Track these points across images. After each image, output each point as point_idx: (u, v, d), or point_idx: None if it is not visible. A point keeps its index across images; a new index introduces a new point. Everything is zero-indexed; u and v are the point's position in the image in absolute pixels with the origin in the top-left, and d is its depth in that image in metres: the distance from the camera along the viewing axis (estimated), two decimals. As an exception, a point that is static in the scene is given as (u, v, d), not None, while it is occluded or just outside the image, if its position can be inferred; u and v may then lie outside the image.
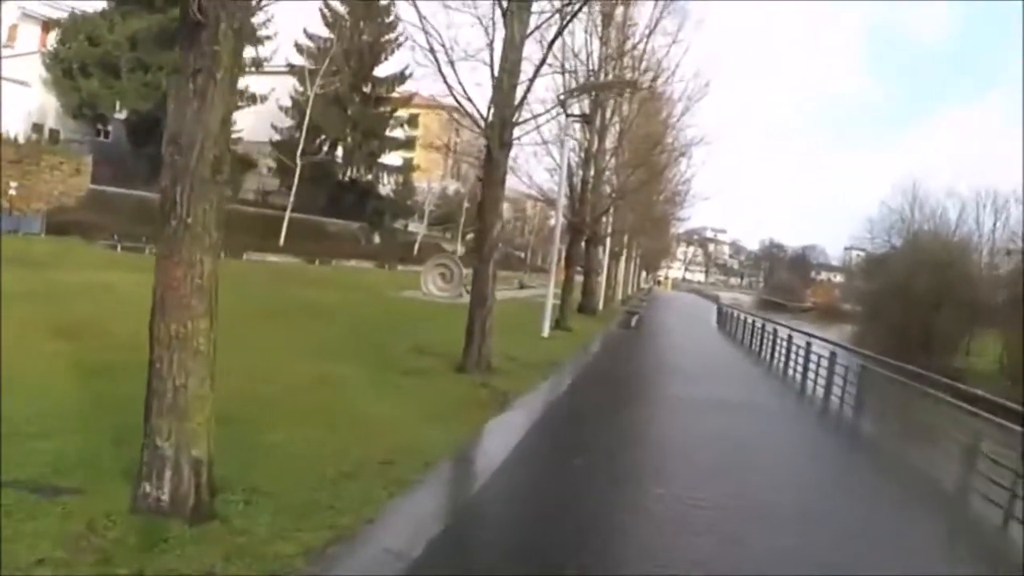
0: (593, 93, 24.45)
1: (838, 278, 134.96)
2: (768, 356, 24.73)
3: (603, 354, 21.43)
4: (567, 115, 21.64)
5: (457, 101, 13.53)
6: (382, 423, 8.80)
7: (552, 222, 30.72)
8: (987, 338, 45.13)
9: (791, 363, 20.99)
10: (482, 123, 13.48)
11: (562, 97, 20.87)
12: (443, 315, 21.30)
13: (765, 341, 26.59)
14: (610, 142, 30.25)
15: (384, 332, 17.29)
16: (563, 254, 27.91)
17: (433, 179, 67.70)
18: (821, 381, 17.29)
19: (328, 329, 16.89)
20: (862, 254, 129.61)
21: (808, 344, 20.18)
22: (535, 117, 16.25)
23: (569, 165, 25.26)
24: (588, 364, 18.56)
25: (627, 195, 30.28)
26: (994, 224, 52.71)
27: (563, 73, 22.20)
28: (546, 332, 21.36)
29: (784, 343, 22.60)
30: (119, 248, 31.46)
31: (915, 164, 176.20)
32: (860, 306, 64.22)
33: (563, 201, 24.34)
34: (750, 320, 32.97)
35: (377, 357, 13.44)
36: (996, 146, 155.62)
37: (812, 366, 18.73)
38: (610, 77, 25.62)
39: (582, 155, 26.51)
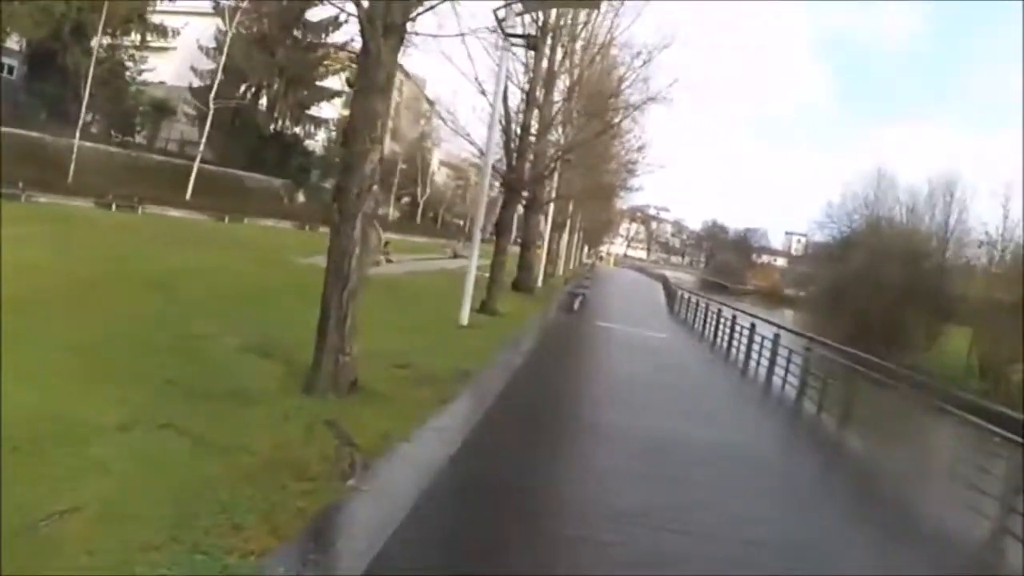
0: (540, 14, 19.18)
1: (779, 262, 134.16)
2: (739, 355, 20.41)
3: (538, 355, 15.54)
4: (505, 35, 16.40)
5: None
6: None
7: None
8: (953, 335, 41.75)
9: (772, 368, 17.35)
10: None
11: (497, 10, 15.70)
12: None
13: (724, 331, 23.56)
14: (559, 94, 25.35)
15: (233, 315, 12.06)
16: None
17: None
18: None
19: (158, 307, 11.87)
20: (803, 239, 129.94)
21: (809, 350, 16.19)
22: None
23: (506, 109, 20.09)
24: (516, 373, 12.47)
25: (576, 150, 25.13)
26: (958, 216, 49.26)
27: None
28: (465, 319, 16.19)
29: (757, 340, 19.44)
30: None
31: (858, 160, 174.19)
32: (811, 291, 61.94)
33: (495, 151, 19.10)
34: (709, 307, 28.87)
35: (183, 363, 8.59)
36: (952, 145, 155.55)
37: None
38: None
39: (524, 97, 21.19)
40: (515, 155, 19.85)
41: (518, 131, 20.04)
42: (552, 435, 9.21)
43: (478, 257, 17.61)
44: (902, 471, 10.39)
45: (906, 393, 14.02)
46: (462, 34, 14.30)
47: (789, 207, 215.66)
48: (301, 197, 53.88)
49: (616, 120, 25.95)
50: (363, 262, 8.76)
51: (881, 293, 41.96)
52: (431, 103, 26.33)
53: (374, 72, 8.55)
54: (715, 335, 24.74)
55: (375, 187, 8.74)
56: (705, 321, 27.46)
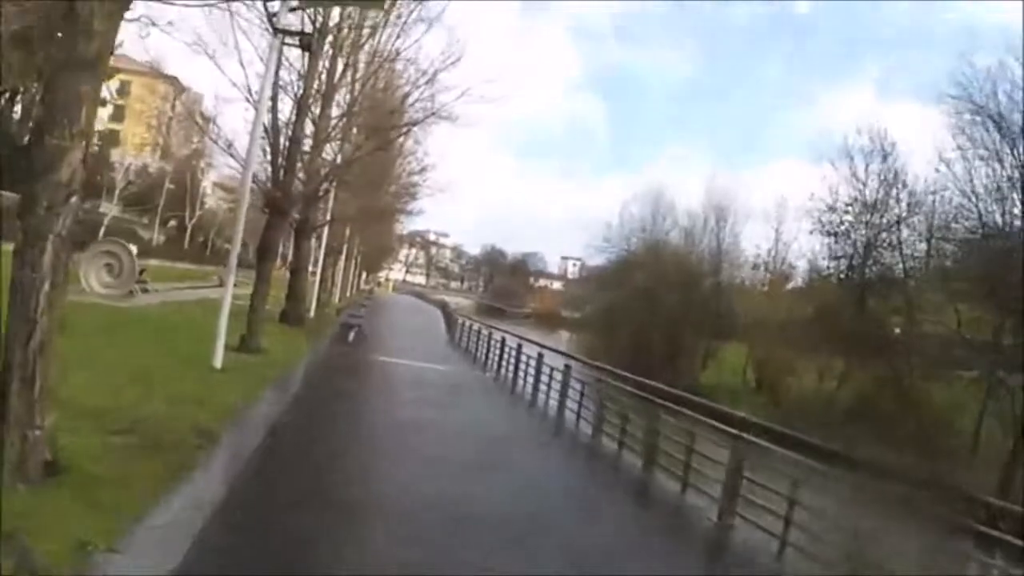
0: (318, 14, 17.21)
1: (556, 285, 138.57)
2: (518, 382, 20.76)
3: (304, 402, 13.47)
4: (274, 30, 14.32)
5: None
6: None
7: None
8: (731, 351, 44.10)
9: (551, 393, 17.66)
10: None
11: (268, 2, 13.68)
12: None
13: (508, 361, 23.00)
14: (337, 109, 23.45)
15: None
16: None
17: (134, 155, 56.74)
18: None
19: None
20: (578, 263, 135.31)
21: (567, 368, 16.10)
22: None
23: (275, 117, 17.90)
24: (274, 428, 10.51)
25: (354, 170, 23.20)
26: (732, 238, 52.56)
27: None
28: (219, 360, 13.73)
29: (533, 364, 19.58)
30: None
31: (634, 186, 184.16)
32: (588, 313, 63.36)
33: (261, 164, 16.83)
34: (486, 333, 28.15)
35: None
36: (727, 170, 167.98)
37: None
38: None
39: (295, 105, 18.97)
40: (283, 171, 17.59)
41: (287, 144, 17.79)
42: (314, 520, 7.20)
43: (244, 282, 15.26)
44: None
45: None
46: (209, 4, 11.95)
47: (566, 232, 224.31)
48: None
49: (397, 136, 24.27)
50: (56, 301, 6.42)
51: (659, 313, 43.39)
52: (205, 119, 23.34)
53: (81, 42, 6.35)
54: (499, 365, 23.85)
55: (75, 198, 6.47)
56: (488, 350, 26.53)
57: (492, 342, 26.10)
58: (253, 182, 16.79)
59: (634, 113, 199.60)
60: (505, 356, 23.66)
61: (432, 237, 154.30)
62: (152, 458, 7.44)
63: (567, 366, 18.28)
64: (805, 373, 36.57)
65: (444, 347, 33.59)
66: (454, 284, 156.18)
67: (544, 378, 18.45)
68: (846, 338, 32.53)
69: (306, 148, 20.82)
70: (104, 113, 53.31)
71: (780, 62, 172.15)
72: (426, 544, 6.89)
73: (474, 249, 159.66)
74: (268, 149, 18.32)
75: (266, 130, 17.92)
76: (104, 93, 49.11)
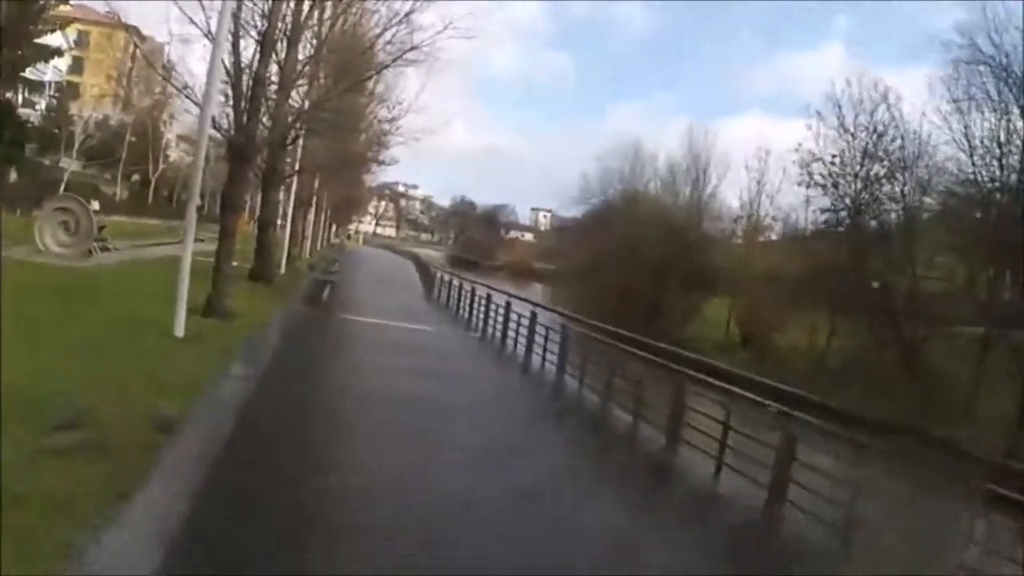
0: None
1: (528, 236, 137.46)
2: (507, 343, 19.63)
3: (277, 376, 11.66)
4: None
5: None
6: None
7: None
8: (714, 306, 43.20)
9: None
10: None
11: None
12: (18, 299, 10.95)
13: (495, 320, 21.61)
14: (303, 53, 21.63)
15: None
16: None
17: (94, 107, 54.29)
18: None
19: None
20: (548, 214, 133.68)
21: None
22: None
23: (236, 53, 16.09)
24: (244, 411, 8.94)
25: (324, 116, 21.38)
26: (713, 189, 51.28)
27: None
28: (181, 328, 12.19)
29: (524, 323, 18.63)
30: None
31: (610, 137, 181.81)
32: (563, 266, 62.08)
33: (219, 102, 15.07)
34: (468, 288, 26.94)
35: None
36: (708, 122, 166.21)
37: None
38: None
39: (259, 44, 17.07)
40: (246, 115, 15.82)
41: (251, 84, 15.96)
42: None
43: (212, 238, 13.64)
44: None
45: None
46: None
47: (536, 184, 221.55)
48: (14, 175, 44.77)
49: (367, 77, 22.41)
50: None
51: (640, 267, 42.25)
52: (167, 68, 21.38)
53: None
54: (484, 324, 22.48)
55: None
56: (472, 307, 25.07)
57: (476, 298, 24.68)
58: (215, 127, 15.05)
59: (603, 66, 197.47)
60: (492, 314, 22.35)
61: (402, 189, 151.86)
62: (96, 461, 5.99)
63: (564, 326, 17.19)
64: (793, 328, 35.71)
65: (423, 303, 32.15)
66: (424, 236, 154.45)
67: (539, 339, 17.26)
68: (836, 293, 31.65)
69: (272, 95, 19.06)
70: (63, 64, 51.12)
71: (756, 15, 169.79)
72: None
73: (444, 201, 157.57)
74: (231, 93, 16.54)
75: (227, 72, 16.15)
76: (62, 43, 46.73)
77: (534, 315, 18.51)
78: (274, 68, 19.75)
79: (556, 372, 15.59)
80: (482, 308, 23.19)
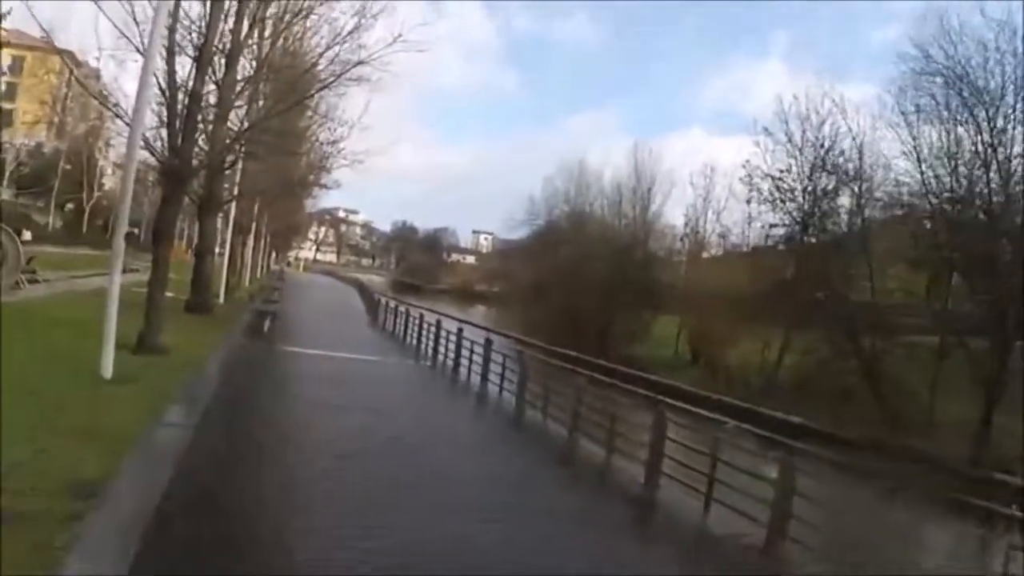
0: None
1: (470, 259, 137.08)
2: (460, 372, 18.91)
3: (214, 421, 10.27)
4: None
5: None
6: None
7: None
8: (660, 324, 42.91)
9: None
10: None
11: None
12: None
13: (447, 347, 21.01)
14: (242, 73, 20.77)
15: None
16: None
17: (27, 134, 52.29)
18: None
19: None
20: (490, 237, 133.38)
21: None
22: None
23: (171, 68, 15.06)
24: (179, 466, 7.67)
25: (264, 138, 20.34)
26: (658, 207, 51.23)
27: None
28: (109, 369, 11.05)
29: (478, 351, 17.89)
30: None
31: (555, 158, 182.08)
32: (507, 288, 62.17)
33: (152, 122, 14.03)
34: (415, 315, 26.54)
35: None
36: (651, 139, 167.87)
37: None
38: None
39: (195, 57, 16.03)
40: (181, 136, 14.75)
41: (186, 102, 14.90)
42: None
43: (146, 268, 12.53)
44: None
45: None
46: None
47: (476, 207, 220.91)
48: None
49: (308, 97, 21.43)
50: None
51: (586, 287, 41.80)
52: (103, 94, 20.08)
53: None
54: (435, 352, 21.64)
55: None
56: (420, 334, 24.12)
57: (425, 325, 23.75)
58: (147, 148, 13.97)
59: (550, 84, 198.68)
60: (442, 341, 21.49)
61: (342, 214, 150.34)
62: (7, 536, 5.00)
63: (520, 352, 16.47)
64: (743, 344, 35.56)
65: (369, 331, 31.15)
66: (365, 261, 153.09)
67: (495, 367, 16.47)
68: (790, 307, 31.60)
69: (210, 117, 18.03)
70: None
71: (694, 30, 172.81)
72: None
73: (384, 226, 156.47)
74: (166, 114, 15.48)
75: (161, 89, 15.13)
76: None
77: (489, 341, 17.68)
78: (212, 88, 18.78)
79: (516, 401, 14.75)
80: (431, 335, 22.34)
